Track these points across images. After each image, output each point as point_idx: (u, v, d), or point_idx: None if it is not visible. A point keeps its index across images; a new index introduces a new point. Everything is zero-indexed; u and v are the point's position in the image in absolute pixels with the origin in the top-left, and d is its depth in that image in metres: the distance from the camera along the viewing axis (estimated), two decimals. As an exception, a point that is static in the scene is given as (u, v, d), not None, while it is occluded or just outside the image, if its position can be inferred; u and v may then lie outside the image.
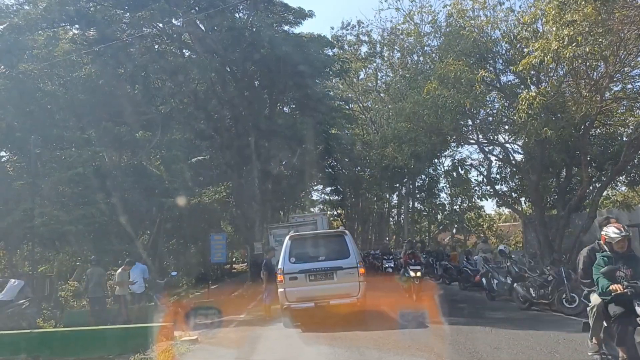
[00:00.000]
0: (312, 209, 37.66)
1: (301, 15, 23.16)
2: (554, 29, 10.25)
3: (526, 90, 11.76)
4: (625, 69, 12.81)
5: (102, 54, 18.07)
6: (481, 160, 24.35)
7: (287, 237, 10.63)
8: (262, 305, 12.16)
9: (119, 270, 13.22)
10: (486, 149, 19.51)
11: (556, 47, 10.02)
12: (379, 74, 32.27)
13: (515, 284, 11.69)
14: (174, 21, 20.55)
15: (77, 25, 19.60)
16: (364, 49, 32.19)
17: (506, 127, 16.93)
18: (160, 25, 18.81)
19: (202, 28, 21.97)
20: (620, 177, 17.94)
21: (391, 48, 25.87)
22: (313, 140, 24.99)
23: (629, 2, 9.76)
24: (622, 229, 5.42)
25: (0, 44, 16.06)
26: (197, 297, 16.94)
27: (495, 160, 20.90)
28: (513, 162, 19.20)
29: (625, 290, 5.00)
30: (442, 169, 30.81)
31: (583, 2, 9.63)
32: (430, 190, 32.82)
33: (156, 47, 21.13)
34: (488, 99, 16.18)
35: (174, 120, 21.86)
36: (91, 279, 12.69)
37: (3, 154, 18.99)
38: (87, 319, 12.15)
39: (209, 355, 8.51)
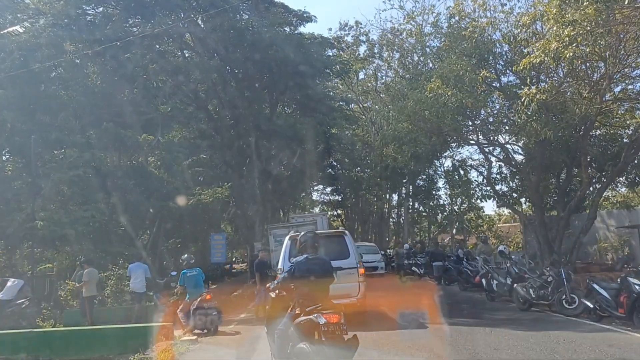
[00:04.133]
0: (312, 209, 37.66)
1: (303, 19, 23.17)
2: (554, 28, 10.23)
3: (527, 87, 11.75)
4: (626, 69, 12.81)
5: (102, 54, 18.06)
6: (481, 160, 24.42)
7: (287, 237, 10.60)
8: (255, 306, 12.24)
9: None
10: (486, 150, 19.52)
11: (556, 47, 10.01)
12: (379, 74, 32.31)
13: (515, 285, 11.69)
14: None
15: (76, 26, 19.55)
16: (363, 48, 32.29)
17: (506, 127, 16.94)
18: (163, 26, 18.82)
19: (203, 28, 21.96)
20: (621, 178, 17.95)
21: (391, 48, 25.88)
22: (313, 141, 24.98)
23: (628, 3, 9.74)
24: None
25: (9, 62, 16.11)
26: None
27: (495, 160, 20.95)
28: (513, 162, 19.19)
29: None
30: (442, 170, 30.85)
31: (585, 2, 9.60)
32: (429, 192, 32.80)
33: (157, 47, 21.13)
34: (489, 99, 16.19)
35: (174, 120, 21.85)
36: (92, 279, 12.69)
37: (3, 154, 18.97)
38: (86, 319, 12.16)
39: (209, 355, 8.51)
